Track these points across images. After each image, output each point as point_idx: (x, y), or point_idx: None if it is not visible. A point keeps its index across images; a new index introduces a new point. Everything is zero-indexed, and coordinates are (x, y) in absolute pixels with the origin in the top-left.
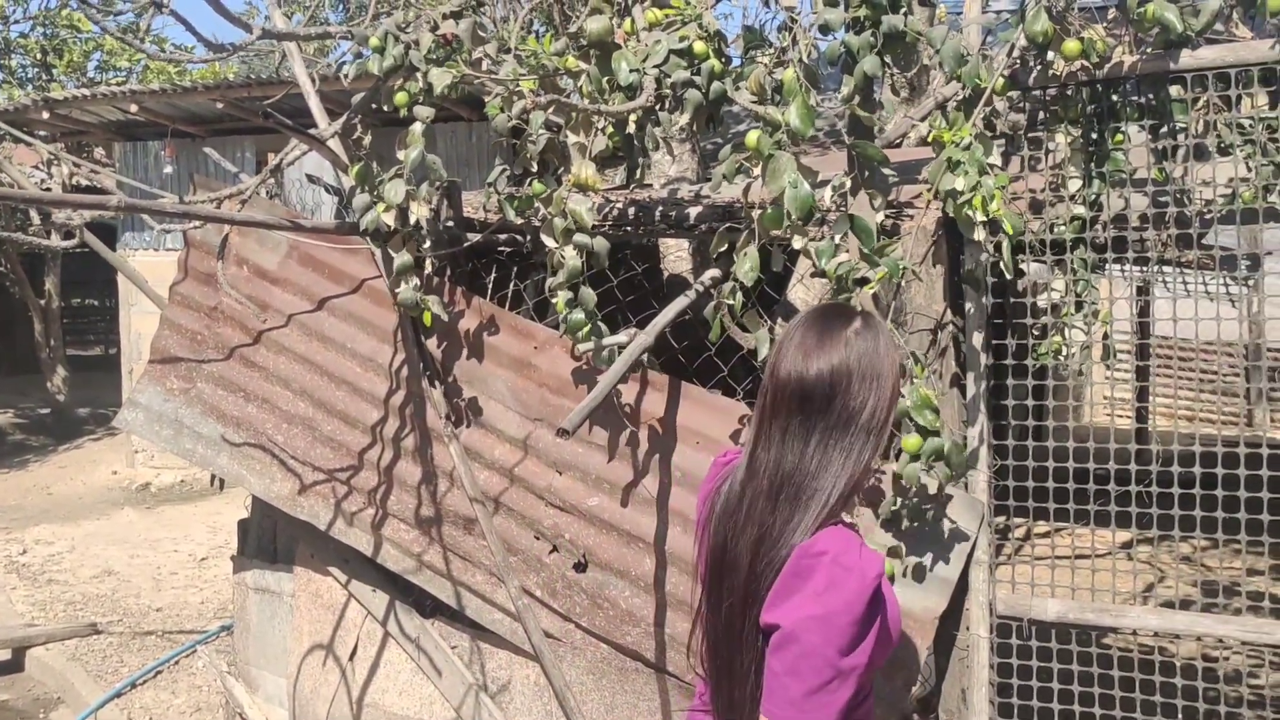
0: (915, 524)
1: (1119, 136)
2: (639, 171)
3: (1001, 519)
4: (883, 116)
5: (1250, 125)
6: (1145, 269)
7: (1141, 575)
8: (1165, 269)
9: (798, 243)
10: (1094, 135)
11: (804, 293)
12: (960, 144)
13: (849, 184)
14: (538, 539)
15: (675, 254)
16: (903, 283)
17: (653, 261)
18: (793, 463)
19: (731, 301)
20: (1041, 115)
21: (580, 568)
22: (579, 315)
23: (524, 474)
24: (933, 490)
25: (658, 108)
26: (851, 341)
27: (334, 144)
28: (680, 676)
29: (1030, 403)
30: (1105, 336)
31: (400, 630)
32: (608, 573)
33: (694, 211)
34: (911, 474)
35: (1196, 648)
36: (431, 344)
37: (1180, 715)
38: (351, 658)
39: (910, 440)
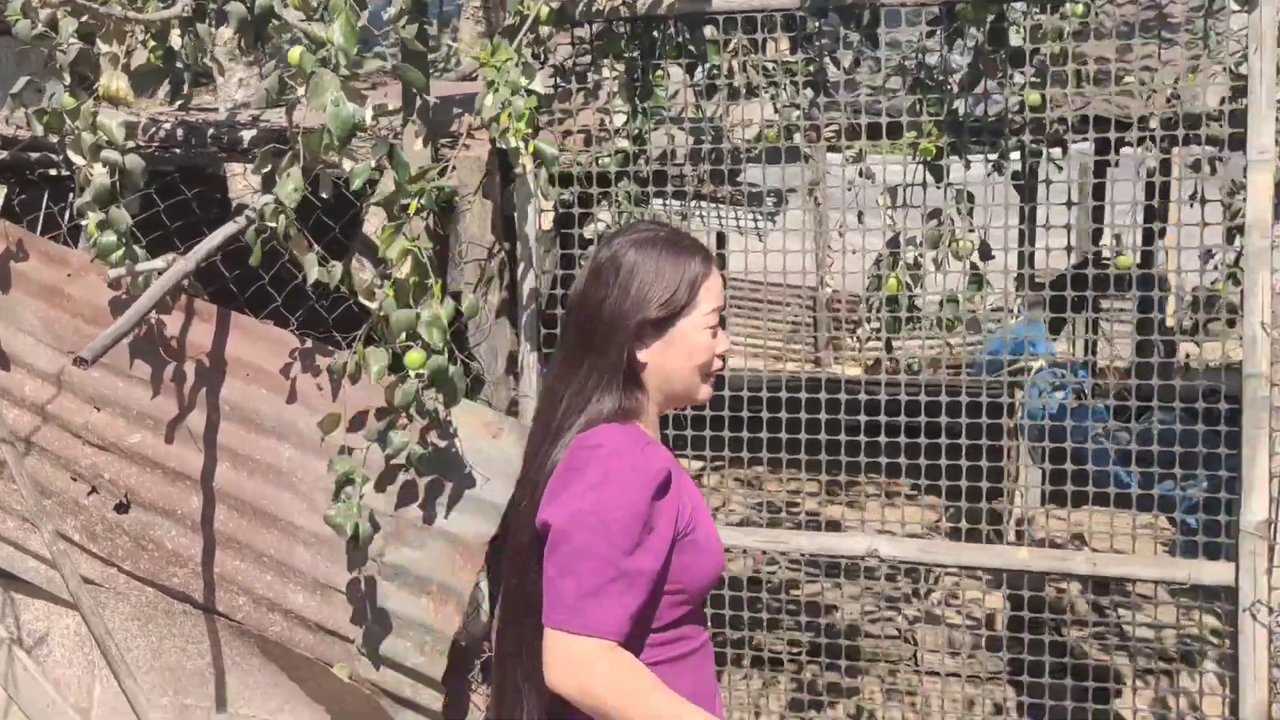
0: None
1: (659, 74)
2: (186, 89)
3: None
4: (458, 48)
5: (773, 68)
6: (684, 203)
7: (710, 498)
8: (702, 204)
9: (348, 166)
10: (638, 72)
11: (375, 222)
12: (498, 66)
13: (389, 106)
14: (75, 480)
15: (245, 181)
16: (458, 212)
17: (218, 188)
18: (551, 370)
19: (273, 224)
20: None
21: (122, 508)
22: (110, 238)
23: (58, 411)
24: (441, 413)
25: (199, 20)
26: (614, 248)
27: None
28: (230, 616)
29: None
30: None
31: None
32: (152, 512)
33: (248, 134)
34: (408, 392)
35: (749, 563)
36: None
37: (729, 625)
38: None
39: (415, 355)
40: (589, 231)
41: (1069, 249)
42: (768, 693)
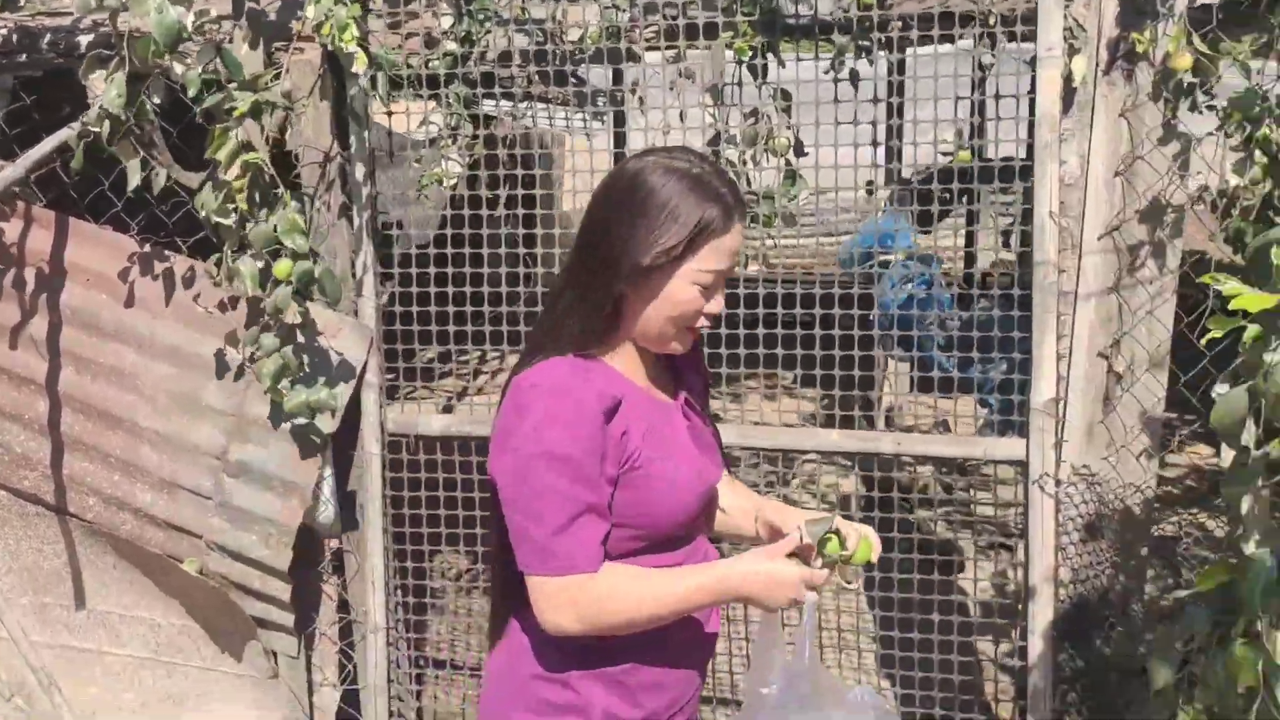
0: (299, 356)
1: None
2: None
3: (426, 348)
4: None
5: None
6: (515, 104)
7: None
8: (539, 105)
9: (178, 70)
10: None
11: None
12: None
13: (213, 11)
14: None
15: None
16: (292, 116)
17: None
18: (557, 278)
19: (97, 129)
20: None
21: None
22: None
23: None
24: (313, 315)
25: None
26: (645, 163)
27: None
28: (81, 516)
29: (412, 232)
30: (475, 166)
31: None
32: (0, 417)
33: (86, 39)
34: (284, 299)
35: None
36: None
37: None
38: None
39: (282, 265)
40: (421, 134)
41: (936, 143)
42: None
